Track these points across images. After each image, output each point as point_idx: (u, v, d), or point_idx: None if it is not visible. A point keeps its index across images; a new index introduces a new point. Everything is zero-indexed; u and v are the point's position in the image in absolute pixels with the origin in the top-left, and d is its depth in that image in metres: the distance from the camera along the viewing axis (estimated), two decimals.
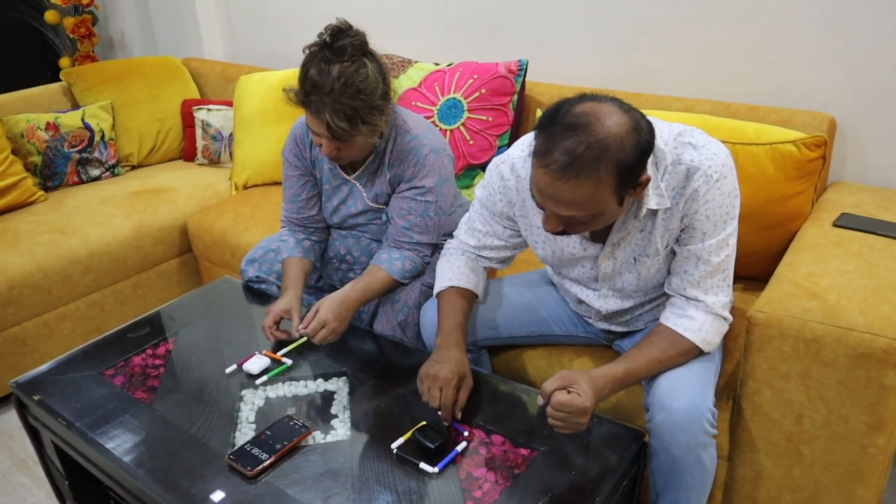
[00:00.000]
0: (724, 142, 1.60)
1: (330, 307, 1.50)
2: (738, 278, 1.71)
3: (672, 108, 1.90)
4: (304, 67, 1.45)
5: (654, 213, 1.23)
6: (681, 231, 1.24)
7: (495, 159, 1.37)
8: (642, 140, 1.09)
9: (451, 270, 1.47)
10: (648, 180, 1.14)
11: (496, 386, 1.42)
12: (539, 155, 1.10)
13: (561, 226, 1.17)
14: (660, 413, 1.21)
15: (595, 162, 1.05)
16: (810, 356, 1.23)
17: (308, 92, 1.43)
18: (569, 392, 1.16)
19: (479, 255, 1.48)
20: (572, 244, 1.34)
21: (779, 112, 1.79)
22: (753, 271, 1.67)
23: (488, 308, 1.57)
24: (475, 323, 1.56)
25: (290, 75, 2.47)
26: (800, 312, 1.24)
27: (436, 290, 1.47)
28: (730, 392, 1.39)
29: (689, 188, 1.18)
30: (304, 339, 1.51)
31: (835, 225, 1.53)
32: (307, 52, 1.46)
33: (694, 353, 1.27)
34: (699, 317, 1.25)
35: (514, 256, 1.52)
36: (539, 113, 2.08)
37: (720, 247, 1.22)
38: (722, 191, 1.18)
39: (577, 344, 1.59)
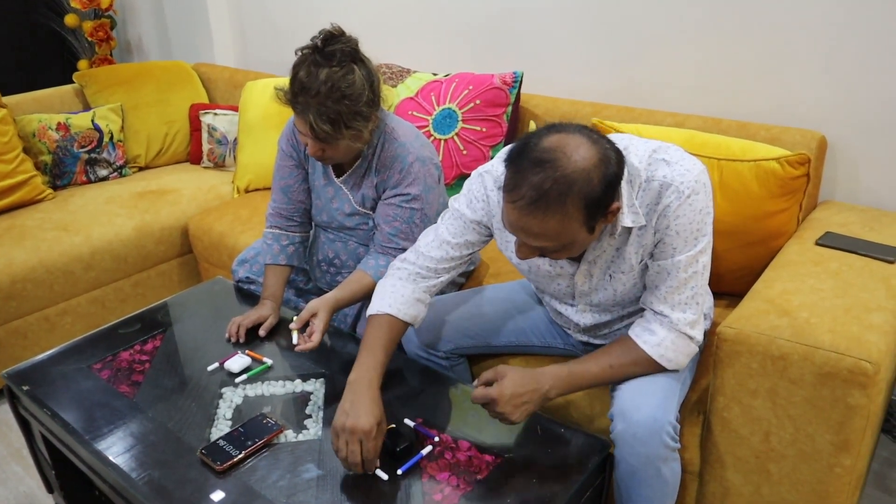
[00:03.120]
0: (709, 158, 1.63)
1: (327, 318, 1.51)
2: (721, 294, 1.73)
3: (663, 123, 1.92)
4: (295, 69, 1.49)
5: (628, 229, 1.24)
6: (654, 246, 1.24)
7: (477, 169, 1.37)
8: (609, 172, 1.09)
9: (394, 295, 1.37)
10: (619, 209, 1.16)
11: (466, 393, 1.44)
12: (508, 190, 1.11)
13: (534, 254, 1.18)
14: (620, 423, 1.23)
15: (562, 197, 1.07)
16: (777, 373, 1.23)
17: (296, 93, 1.47)
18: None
19: (439, 270, 1.40)
20: (547, 262, 1.35)
21: (769, 129, 1.80)
22: (737, 288, 1.67)
23: (468, 316, 1.59)
24: (455, 330, 1.58)
25: None
26: (768, 329, 1.24)
27: (370, 311, 1.38)
28: (701, 407, 1.40)
29: (661, 204, 1.19)
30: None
31: (817, 243, 1.53)
32: (299, 54, 1.50)
33: (651, 365, 1.27)
34: (661, 332, 1.26)
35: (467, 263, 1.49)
36: (533, 125, 2.10)
37: (689, 263, 1.22)
38: (693, 207, 1.18)
39: (556, 355, 1.60)
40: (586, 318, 1.43)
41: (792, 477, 1.29)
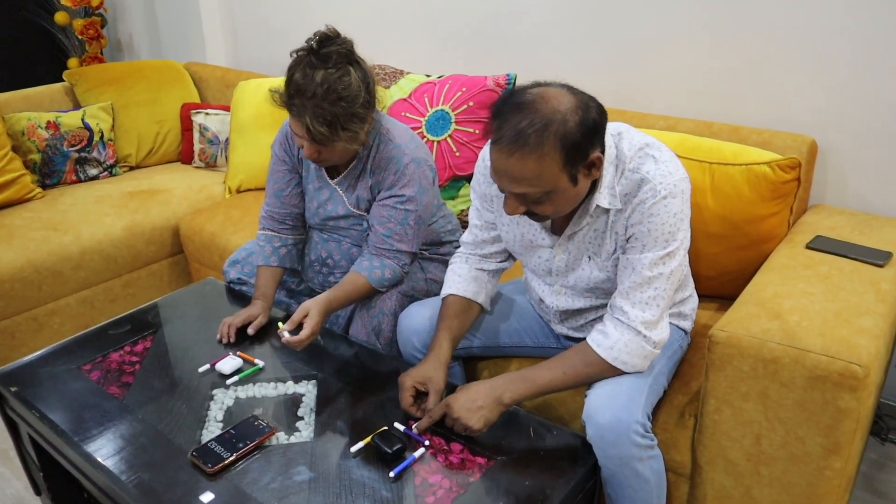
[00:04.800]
0: (700, 161, 1.64)
1: (319, 318, 1.50)
2: (712, 297, 1.74)
3: (656, 127, 1.92)
4: (290, 71, 1.48)
5: (606, 212, 1.27)
6: (626, 239, 1.27)
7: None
8: (588, 118, 1.14)
9: (452, 278, 1.51)
10: (600, 159, 1.18)
11: None
12: (491, 134, 1.17)
13: (521, 207, 1.21)
14: (591, 429, 1.24)
15: (539, 135, 1.11)
16: (768, 376, 1.23)
17: (292, 95, 1.47)
18: None
19: (482, 256, 1.51)
20: (533, 231, 1.38)
21: (760, 133, 1.81)
22: (728, 291, 1.68)
23: None
24: None
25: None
26: (759, 332, 1.24)
27: (441, 295, 1.53)
28: (693, 410, 1.40)
29: (637, 198, 1.22)
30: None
31: (807, 247, 1.54)
32: (294, 56, 1.50)
33: (608, 369, 1.27)
34: (614, 335, 1.26)
35: None
36: None
37: (656, 263, 1.23)
38: (668, 209, 1.20)
39: (549, 357, 1.59)
40: (560, 301, 1.45)
41: (782, 479, 1.29)
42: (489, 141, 1.31)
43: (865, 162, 1.79)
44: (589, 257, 1.34)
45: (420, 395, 1.37)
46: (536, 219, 1.27)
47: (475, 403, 1.26)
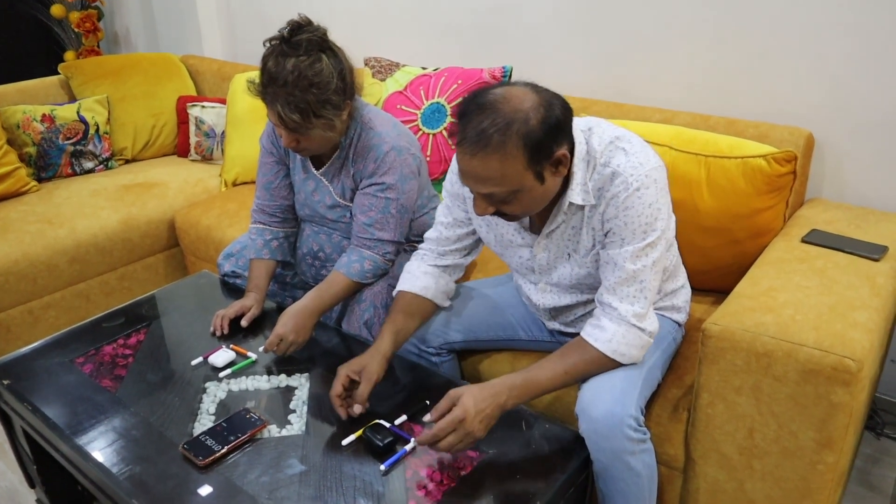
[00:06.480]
0: (696, 154, 1.63)
1: (287, 321, 1.51)
2: (707, 291, 1.73)
3: (652, 120, 1.91)
4: (264, 60, 1.48)
5: (581, 208, 1.27)
6: (605, 234, 1.27)
7: None
8: (551, 116, 1.13)
9: (404, 276, 1.52)
10: (566, 156, 1.18)
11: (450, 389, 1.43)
12: (455, 135, 1.16)
13: (490, 208, 1.21)
14: (584, 422, 1.23)
15: (501, 134, 1.11)
16: (761, 370, 1.23)
17: (265, 84, 1.47)
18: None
19: (439, 254, 1.50)
20: (511, 231, 1.38)
21: (757, 126, 1.80)
22: (723, 284, 1.67)
23: (457, 311, 1.59)
24: (444, 325, 1.58)
25: None
26: (753, 326, 1.24)
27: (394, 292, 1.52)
28: (686, 404, 1.40)
29: (610, 192, 1.22)
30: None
31: (803, 241, 1.53)
32: (268, 45, 1.49)
33: (606, 363, 1.27)
34: (610, 327, 1.26)
35: (480, 246, 1.54)
36: None
37: (637, 255, 1.23)
38: (642, 200, 1.20)
39: (543, 350, 1.59)
40: (546, 299, 1.45)
41: (775, 473, 1.29)
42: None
43: (862, 156, 1.78)
44: (568, 255, 1.34)
45: (353, 385, 1.35)
46: (507, 218, 1.26)
47: (484, 413, 1.22)
